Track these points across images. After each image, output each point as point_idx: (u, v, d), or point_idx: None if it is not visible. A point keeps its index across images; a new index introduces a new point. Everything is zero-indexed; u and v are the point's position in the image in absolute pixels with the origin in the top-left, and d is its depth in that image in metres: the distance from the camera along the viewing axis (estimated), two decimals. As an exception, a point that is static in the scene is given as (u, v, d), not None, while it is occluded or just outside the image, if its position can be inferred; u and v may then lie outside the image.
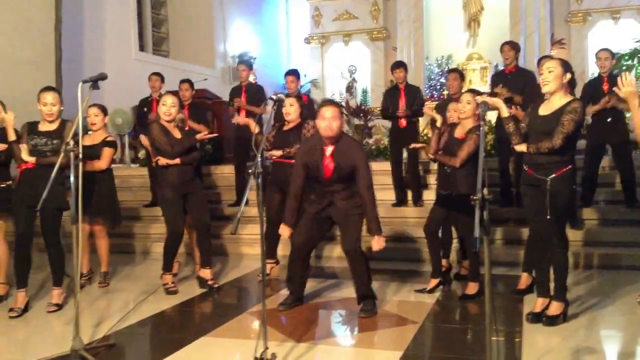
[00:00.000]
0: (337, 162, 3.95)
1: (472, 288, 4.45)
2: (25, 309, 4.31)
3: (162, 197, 4.88)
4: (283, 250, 5.35)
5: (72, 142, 3.38)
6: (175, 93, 7.13)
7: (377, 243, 3.96)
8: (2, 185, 4.58)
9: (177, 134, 4.81)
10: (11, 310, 4.22)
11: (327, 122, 3.89)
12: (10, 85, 6.25)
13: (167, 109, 4.72)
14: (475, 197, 2.50)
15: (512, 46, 6.25)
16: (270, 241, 5.16)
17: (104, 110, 5.05)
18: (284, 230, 4.16)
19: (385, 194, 6.91)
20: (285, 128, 5.06)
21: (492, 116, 6.28)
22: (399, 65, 6.79)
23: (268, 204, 5.12)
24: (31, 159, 4.18)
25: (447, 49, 11.89)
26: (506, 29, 11.08)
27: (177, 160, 4.73)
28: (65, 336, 3.47)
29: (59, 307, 4.30)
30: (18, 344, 3.69)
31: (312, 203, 4.13)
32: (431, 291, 4.59)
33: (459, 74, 6.16)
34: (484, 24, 11.81)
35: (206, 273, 4.96)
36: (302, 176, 4.09)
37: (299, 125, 5.00)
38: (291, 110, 4.96)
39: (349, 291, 4.70)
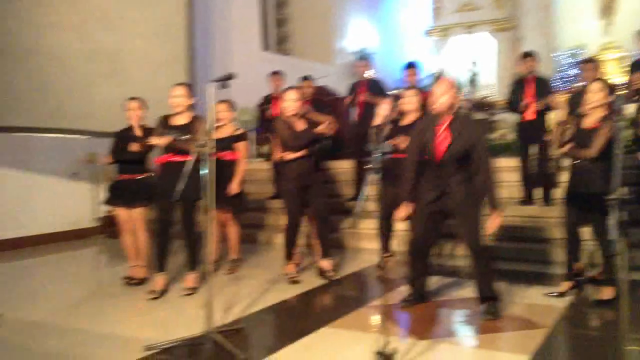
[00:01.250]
0: (451, 139, 3.82)
1: (606, 293, 4.17)
2: (164, 292, 4.66)
3: (283, 188, 5.05)
4: (400, 244, 5.30)
5: (203, 138, 3.59)
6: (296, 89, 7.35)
7: (493, 221, 3.79)
8: (141, 177, 4.97)
9: (301, 127, 4.94)
10: (151, 292, 4.58)
11: (436, 97, 3.83)
12: (149, 84, 6.74)
13: (290, 103, 4.86)
14: (611, 197, 2.34)
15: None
16: (384, 235, 5.20)
17: (232, 106, 5.35)
18: (402, 211, 4.10)
19: (511, 191, 6.64)
20: (404, 122, 5.00)
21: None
22: (529, 54, 6.49)
23: (382, 198, 5.13)
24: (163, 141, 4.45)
25: (579, 39, 11.15)
26: (647, 14, 10.18)
27: (302, 152, 4.85)
28: (199, 319, 3.71)
29: (193, 291, 4.60)
30: (157, 323, 3.99)
31: (425, 192, 4.01)
32: (562, 295, 4.35)
33: (595, 64, 5.75)
34: (620, 10, 10.93)
35: (325, 264, 5.07)
36: (416, 154, 4.01)
37: (419, 119, 4.92)
38: (412, 101, 4.92)
39: (472, 290, 4.59)
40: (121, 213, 5.02)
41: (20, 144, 6.96)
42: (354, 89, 7.24)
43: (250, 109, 9.40)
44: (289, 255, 5.04)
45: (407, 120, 4.99)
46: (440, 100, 3.81)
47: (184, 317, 4.09)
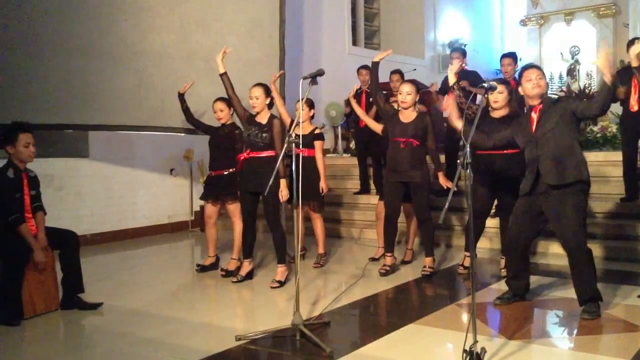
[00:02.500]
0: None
1: None
2: (250, 277, 4.90)
3: (384, 179, 5.10)
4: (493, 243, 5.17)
5: (294, 135, 3.66)
6: (385, 84, 7.31)
7: None
8: (227, 173, 5.19)
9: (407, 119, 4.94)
10: (234, 275, 4.76)
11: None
12: (243, 83, 6.94)
13: (403, 97, 4.92)
14: None
15: None
16: (474, 234, 5.04)
17: (310, 104, 5.43)
18: None
19: (612, 188, 6.28)
20: (495, 115, 4.81)
21: None
22: (635, 41, 6.04)
23: (474, 195, 4.99)
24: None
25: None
26: None
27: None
28: (287, 311, 3.81)
29: (281, 284, 4.72)
30: (247, 314, 4.14)
31: (524, 182, 3.90)
32: None
33: None
34: None
35: (425, 260, 5.08)
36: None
37: (511, 115, 4.72)
38: (499, 98, 4.71)
39: (568, 291, 4.38)
40: (208, 207, 5.31)
41: (125, 141, 7.41)
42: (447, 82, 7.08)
43: (337, 104, 9.49)
44: (386, 247, 5.14)
45: (497, 114, 4.81)
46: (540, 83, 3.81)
47: (272, 309, 4.21)
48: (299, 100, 5.33)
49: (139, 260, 6.40)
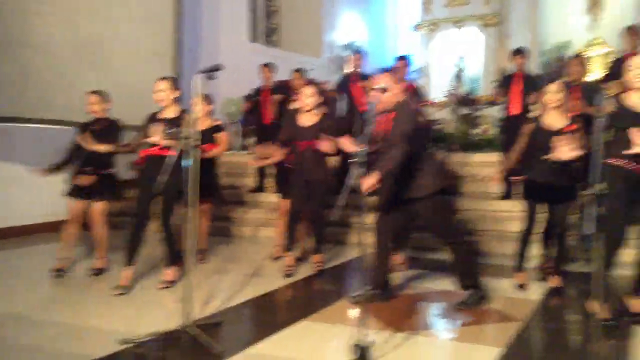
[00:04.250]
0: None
1: (555, 282, 4.41)
2: (129, 288, 4.59)
3: (291, 178, 5.12)
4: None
5: (190, 131, 3.57)
6: (285, 82, 7.36)
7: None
8: (105, 173, 5.00)
9: (308, 122, 4.98)
10: (116, 287, 4.49)
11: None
12: (135, 75, 6.71)
13: (305, 99, 4.95)
14: (587, 193, 2.39)
15: (634, 31, 5.79)
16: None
17: (209, 99, 5.37)
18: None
19: (490, 186, 6.72)
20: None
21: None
22: (520, 51, 6.55)
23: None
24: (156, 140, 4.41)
25: (565, 35, 11.21)
26: (633, 11, 10.24)
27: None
28: (176, 312, 3.71)
29: (171, 284, 4.60)
30: (134, 317, 3.97)
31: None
32: (522, 287, 4.49)
33: (582, 60, 5.72)
34: (607, 6, 11.00)
35: (315, 257, 5.17)
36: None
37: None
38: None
39: (451, 284, 4.63)
40: (73, 204, 5.06)
41: (5, 134, 6.90)
42: (346, 82, 7.25)
43: (236, 100, 9.40)
44: (286, 245, 5.15)
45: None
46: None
47: (161, 310, 4.09)
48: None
49: (13, 262, 5.97)
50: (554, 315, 4.04)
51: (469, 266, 4.09)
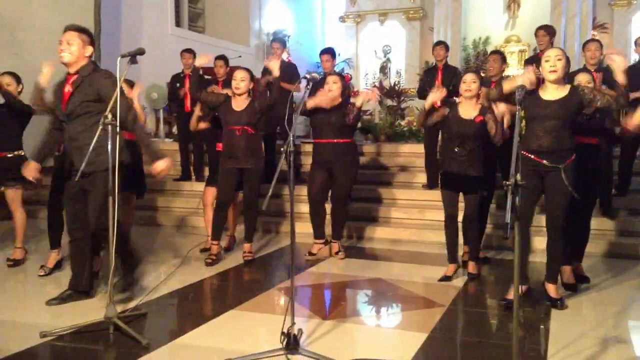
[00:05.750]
0: None
1: (472, 267, 4.57)
2: (59, 267, 4.59)
3: (220, 166, 5.01)
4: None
5: (110, 116, 3.41)
6: (209, 69, 7.21)
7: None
8: (12, 155, 4.76)
9: (240, 107, 4.90)
10: (42, 268, 4.44)
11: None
12: (49, 56, 6.33)
13: (237, 83, 4.88)
14: (508, 183, 2.50)
15: (547, 31, 6.12)
16: (316, 221, 5.22)
17: (130, 84, 5.17)
18: None
19: (416, 176, 6.92)
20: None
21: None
22: (440, 43, 6.73)
23: (309, 183, 5.18)
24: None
25: (485, 31, 11.66)
26: (547, 11, 10.80)
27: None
28: (99, 304, 3.62)
29: (96, 275, 4.37)
30: (55, 309, 3.80)
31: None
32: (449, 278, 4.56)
33: (501, 55, 5.89)
34: (524, 5, 11.53)
35: (245, 246, 5.13)
36: None
37: (341, 105, 5.00)
38: (334, 88, 4.97)
39: (378, 272, 4.74)
40: None
41: None
42: (266, 73, 7.18)
43: (159, 85, 9.13)
44: (213, 235, 5.04)
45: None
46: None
47: (84, 302, 3.91)
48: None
49: None
50: (473, 300, 4.21)
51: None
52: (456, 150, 4.37)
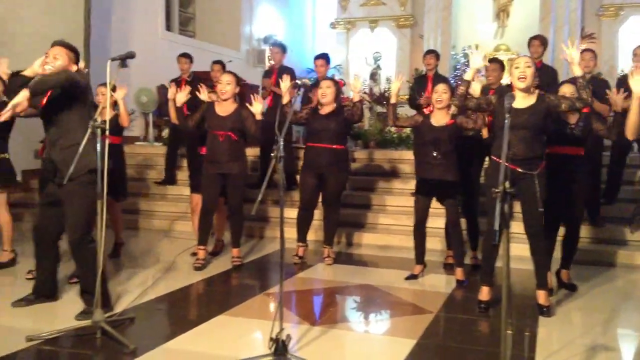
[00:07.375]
0: None
1: (460, 274, 4.59)
2: None
3: (204, 171, 4.99)
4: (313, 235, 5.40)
5: (99, 119, 3.41)
6: (206, 74, 7.20)
7: None
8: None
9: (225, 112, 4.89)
10: (29, 272, 4.38)
11: None
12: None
13: (222, 87, 4.87)
14: (496, 190, 2.51)
15: (542, 41, 6.18)
16: (301, 225, 5.22)
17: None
18: None
19: (407, 184, 6.94)
20: (323, 112, 5.07)
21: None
22: (431, 52, 6.76)
23: (301, 188, 5.18)
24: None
25: (475, 39, 11.72)
26: (536, 20, 10.90)
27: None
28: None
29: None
30: (42, 313, 3.76)
31: None
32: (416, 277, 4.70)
33: (500, 64, 5.80)
34: (513, 14, 11.62)
35: (233, 252, 5.10)
36: None
37: (337, 111, 5.01)
38: (327, 92, 4.98)
39: (367, 278, 4.74)
40: None
41: None
42: (265, 77, 7.20)
43: (149, 89, 9.10)
44: (199, 240, 5.01)
45: (325, 110, 5.04)
46: None
47: (72, 307, 3.88)
48: (102, 84, 4.98)
49: None
50: (460, 307, 4.22)
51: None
52: (434, 154, 4.42)
